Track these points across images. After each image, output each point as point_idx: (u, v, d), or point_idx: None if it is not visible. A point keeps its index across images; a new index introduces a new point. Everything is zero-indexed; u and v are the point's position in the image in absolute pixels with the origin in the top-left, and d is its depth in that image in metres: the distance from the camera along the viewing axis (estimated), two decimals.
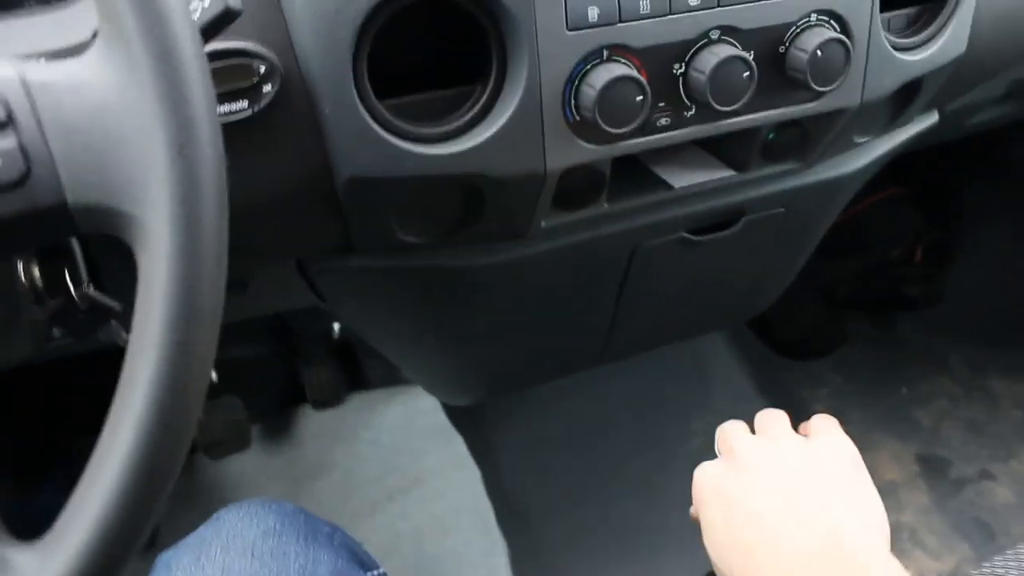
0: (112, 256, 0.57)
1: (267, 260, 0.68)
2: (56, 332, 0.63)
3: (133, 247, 0.35)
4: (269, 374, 1.31)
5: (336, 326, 1.25)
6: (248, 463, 1.24)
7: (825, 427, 0.61)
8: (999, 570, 0.72)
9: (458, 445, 1.22)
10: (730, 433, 0.60)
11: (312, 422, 1.28)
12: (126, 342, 0.62)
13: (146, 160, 0.33)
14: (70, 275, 0.54)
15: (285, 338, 1.30)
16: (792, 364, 1.52)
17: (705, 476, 0.57)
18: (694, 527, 1.31)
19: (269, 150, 0.55)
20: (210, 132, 0.33)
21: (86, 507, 0.33)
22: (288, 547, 0.57)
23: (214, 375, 1.21)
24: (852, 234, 1.52)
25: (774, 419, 0.62)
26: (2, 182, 0.33)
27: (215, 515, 0.59)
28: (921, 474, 1.42)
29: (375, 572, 0.66)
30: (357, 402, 1.28)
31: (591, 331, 0.87)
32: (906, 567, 1.41)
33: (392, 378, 1.27)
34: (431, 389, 1.01)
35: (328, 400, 1.26)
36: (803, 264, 0.94)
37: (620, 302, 0.82)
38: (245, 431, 1.20)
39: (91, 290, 0.55)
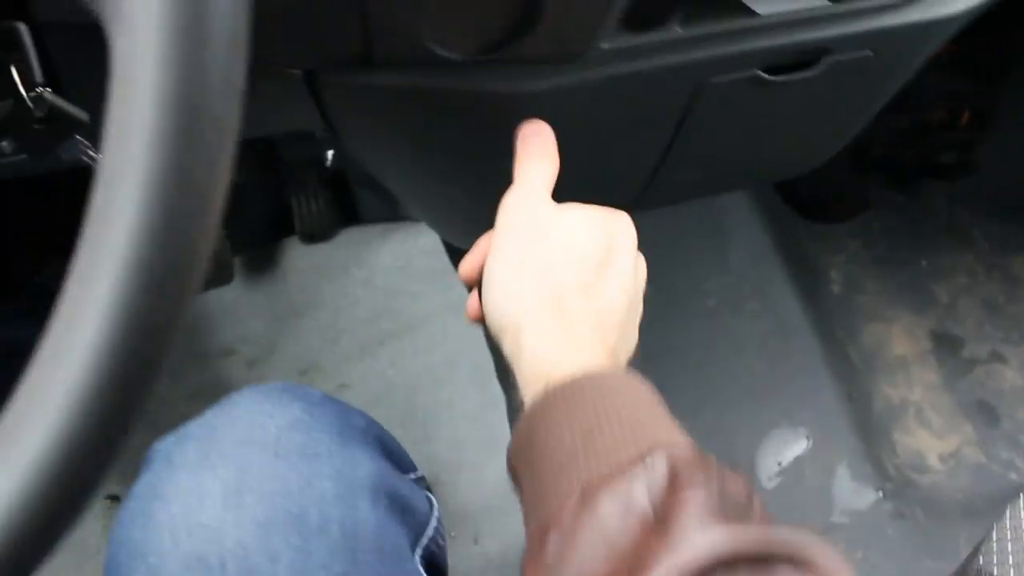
0: (74, 51, 0.45)
1: (272, 69, 0.56)
2: (5, 146, 0.52)
3: (105, 22, 0.24)
4: (254, 203, 1.19)
5: (330, 153, 1.13)
6: (228, 298, 1.15)
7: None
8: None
9: (458, 290, 1.13)
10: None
11: (300, 257, 1.18)
12: (92, 160, 0.51)
13: None
14: (19, 74, 0.42)
15: (272, 165, 1.18)
16: (811, 226, 1.43)
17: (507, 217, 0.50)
18: (700, 393, 1.24)
19: None
20: None
21: (39, 409, 0.23)
22: (320, 445, 0.47)
23: None
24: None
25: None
26: None
27: (226, 399, 0.48)
28: (933, 351, 1.36)
29: (413, 475, 0.57)
30: (350, 238, 1.17)
31: (632, 178, 0.77)
32: (909, 446, 1.35)
33: (390, 214, 1.17)
34: (438, 229, 0.91)
35: (318, 233, 1.16)
36: (869, 120, 0.84)
37: (671, 148, 0.71)
38: (227, 263, 1.09)
39: (48, 93, 0.44)
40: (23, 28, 0.41)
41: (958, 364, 1.36)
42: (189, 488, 0.43)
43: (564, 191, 0.77)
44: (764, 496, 1.18)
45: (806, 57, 0.66)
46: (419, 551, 0.51)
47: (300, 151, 1.15)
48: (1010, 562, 0.60)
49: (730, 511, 0.33)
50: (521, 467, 0.41)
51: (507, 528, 1.04)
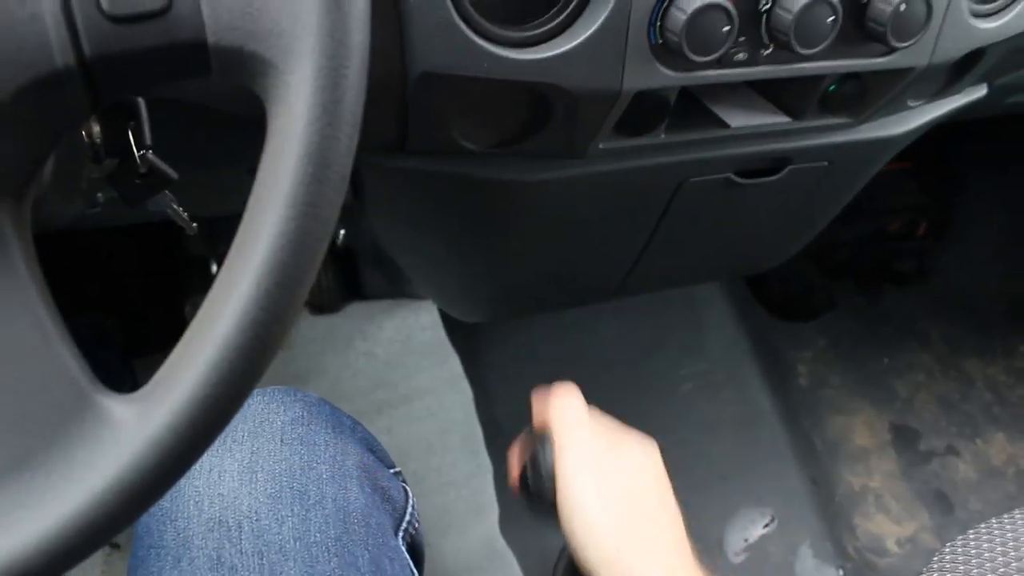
0: (172, 125, 0.55)
1: None
2: (100, 196, 0.62)
3: (266, 99, 0.34)
4: None
5: (342, 232, 1.23)
6: None
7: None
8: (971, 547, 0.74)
9: (453, 365, 1.22)
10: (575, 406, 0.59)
11: (307, 327, 1.26)
12: (175, 212, 0.60)
13: (298, 9, 0.32)
14: (134, 136, 0.52)
15: None
16: (782, 324, 1.54)
17: (571, 449, 0.55)
18: (672, 472, 1.33)
19: None
20: None
21: (191, 357, 0.32)
22: (317, 436, 0.56)
23: (214, 267, 1.19)
24: (855, 204, 1.52)
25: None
26: (145, 10, 0.31)
27: None
28: (892, 443, 1.45)
29: (394, 470, 0.65)
30: (355, 312, 1.27)
31: (617, 262, 0.87)
32: (869, 530, 1.44)
33: (393, 291, 1.26)
34: (441, 302, 1.00)
35: (326, 306, 1.25)
36: (827, 222, 0.95)
37: (654, 236, 0.82)
38: None
39: (151, 154, 0.54)
40: (141, 102, 0.51)
41: (915, 455, 1.46)
42: (210, 467, 0.51)
43: (556, 272, 0.88)
44: (730, 571, 1.25)
45: (772, 164, 0.77)
46: (401, 534, 0.59)
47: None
48: None
49: None
50: None
51: None
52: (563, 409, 0.56)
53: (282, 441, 0.53)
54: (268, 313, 0.32)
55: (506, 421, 1.26)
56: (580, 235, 0.80)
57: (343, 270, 1.28)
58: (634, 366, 1.35)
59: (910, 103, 0.78)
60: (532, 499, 0.57)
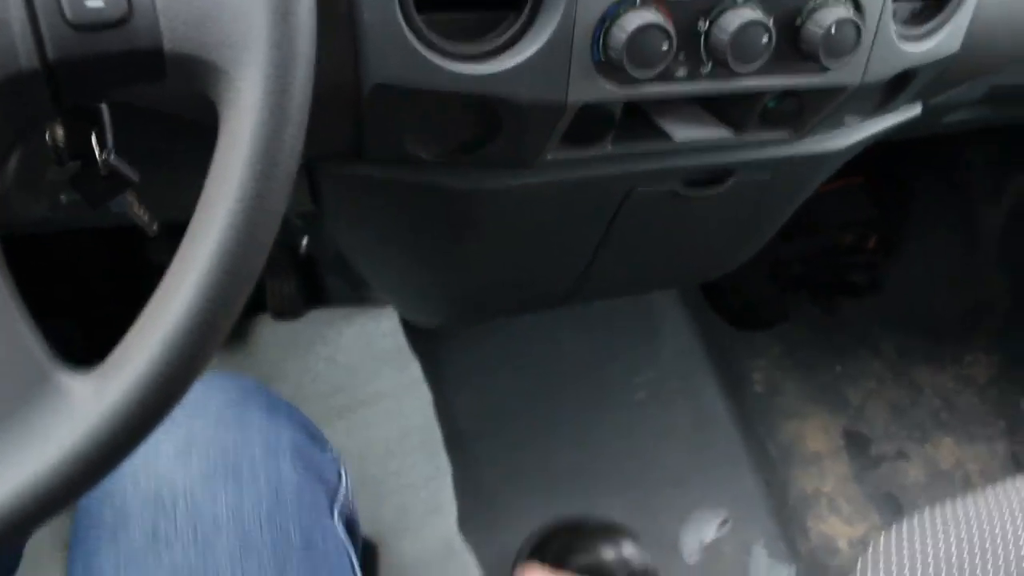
0: (134, 128, 0.57)
1: None
2: (63, 198, 0.64)
3: (218, 103, 0.36)
4: None
5: (304, 241, 1.25)
6: None
7: None
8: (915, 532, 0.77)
9: (413, 370, 1.24)
10: None
11: (269, 332, 1.28)
12: (135, 214, 0.63)
13: (248, 21, 0.34)
14: (97, 139, 0.55)
15: None
16: (736, 333, 1.58)
17: None
18: (627, 477, 1.36)
19: None
20: (309, 3, 0.35)
21: (145, 338, 0.35)
22: (252, 417, 0.58)
23: None
24: (808, 218, 1.57)
25: None
26: (105, 20, 0.34)
27: None
28: (845, 448, 1.50)
29: (331, 454, 0.67)
30: (316, 318, 1.29)
31: (569, 269, 0.90)
32: (821, 531, 1.48)
33: (354, 298, 1.29)
34: (400, 307, 1.02)
35: (287, 312, 1.27)
36: (774, 231, 0.98)
37: (603, 243, 0.85)
38: None
39: (113, 157, 0.56)
40: (104, 106, 0.54)
41: (867, 460, 1.50)
42: (146, 446, 0.54)
43: (510, 278, 0.91)
44: (685, 573, 1.28)
45: (716, 176, 0.81)
46: (336, 513, 0.61)
47: (276, 238, 1.27)
48: None
49: None
50: None
51: None
52: None
53: (217, 422, 0.56)
54: (216, 300, 0.35)
55: (465, 424, 1.28)
56: (533, 242, 0.83)
57: (305, 277, 1.30)
58: (590, 374, 1.38)
59: (847, 120, 0.82)
60: None
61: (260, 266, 0.37)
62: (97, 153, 0.55)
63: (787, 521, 1.39)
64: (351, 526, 0.63)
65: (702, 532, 1.31)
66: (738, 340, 1.57)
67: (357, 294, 1.28)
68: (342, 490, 0.64)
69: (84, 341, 1.19)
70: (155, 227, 0.63)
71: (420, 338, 1.27)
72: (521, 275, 0.89)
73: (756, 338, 1.58)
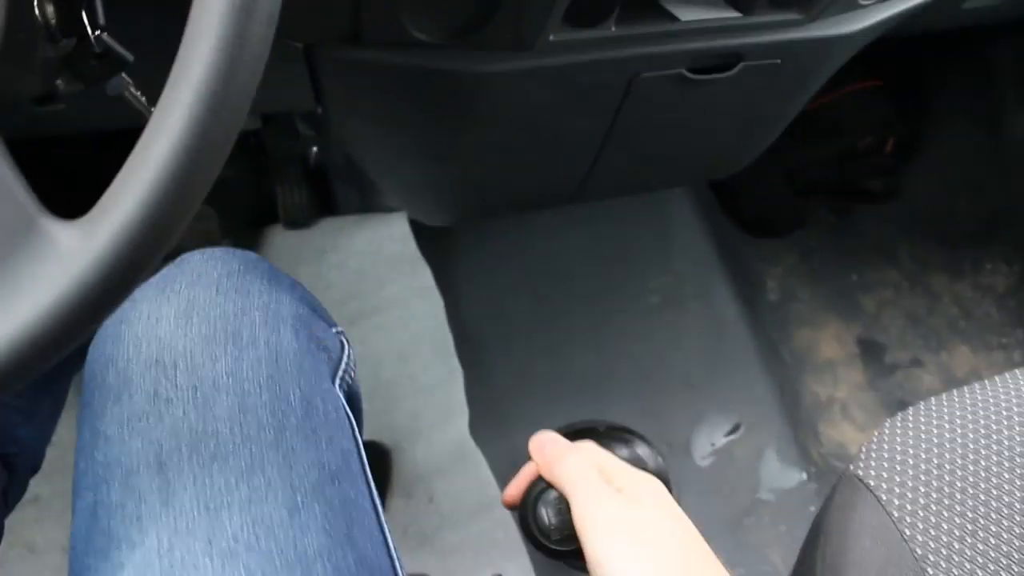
0: (124, 9, 0.57)
1: (280, 39, 0.68)
2: (61, 84, 0.63)
3: None
4: (243, 192, 1.31)
5: (314, 150, 1.25)
6: None
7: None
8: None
9: (424, 275, 1.24)
10: (588, 454, 0.55)
11: (281, 241, 1.28)
12: (133, 96, 0.62)
13: None
14: (88, 16, 0.54)
15: (260, 160, 1.29)
16: (752, 240, 1.56)
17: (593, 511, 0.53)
18: (640, 381, 1.36)
19: None
20: None
21: (130, 185, 0.35)
22: (252, 286, 0.58)
23: None
24: (825, 121, 1.54)
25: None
26: None
27: (179, 258, 0.60)
28: (859, 355, 1.49)
29: (334, 328, 0.67)
30: (327, 226, 1.28)
31: (576, 161, 0.89)
32: (833, 437, 1.47)
33: (364, 205, 1.28)
34: (409, 205, 1.02)
35: (299, 221, 1.27)
36: (785, 125, 0.96)
37: (610, 133, 0.83)
38: (215, 243, 1.20)
39: (105, 35, 0.55)
40: None
41: (881, 368, 1.49)
42: (148, 313, 0.55)
43: (516, 170, 0.90)
44: (696, 474, 1.29)
45: (724, 61, 0.79)
46: (337, 382, 0.62)
47: (286, 148, 1.27)
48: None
49: None
50: None
51: (457, 487, 1.15)
52: (571, 468, 0.55)
53: (217, 290, 0.56)
54: (201, 139, 0.35)
55: (476, 330, 1.29)
56: (536, 132, 0.82)
57: (315, 187, 1.30)
58: (603, 279, 1.38)
59: (861, 1, 0.80)
60: (533, 535, 0.56)
61: (245, 107, 0.37)
62: (89, 31, 0.54)
63: (799, 426, 1.39)
64: (352, 399, 0.64)
65: (713, 436, 1.32)
66: (753, 247, 1.56)
67: (367, 202, 1.28)
68: (344, 362, 0.64)
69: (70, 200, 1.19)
70: (152, 111, 0.63)
71: (431, 244, 1.27)
72: (528, 168, 0.88)
73: (771, 245, 1.57)
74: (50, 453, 0.84)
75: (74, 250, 0.36)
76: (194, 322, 0.54)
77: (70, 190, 0.51)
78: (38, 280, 0.36)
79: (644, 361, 1.32)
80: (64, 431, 1.10)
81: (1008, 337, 1.59)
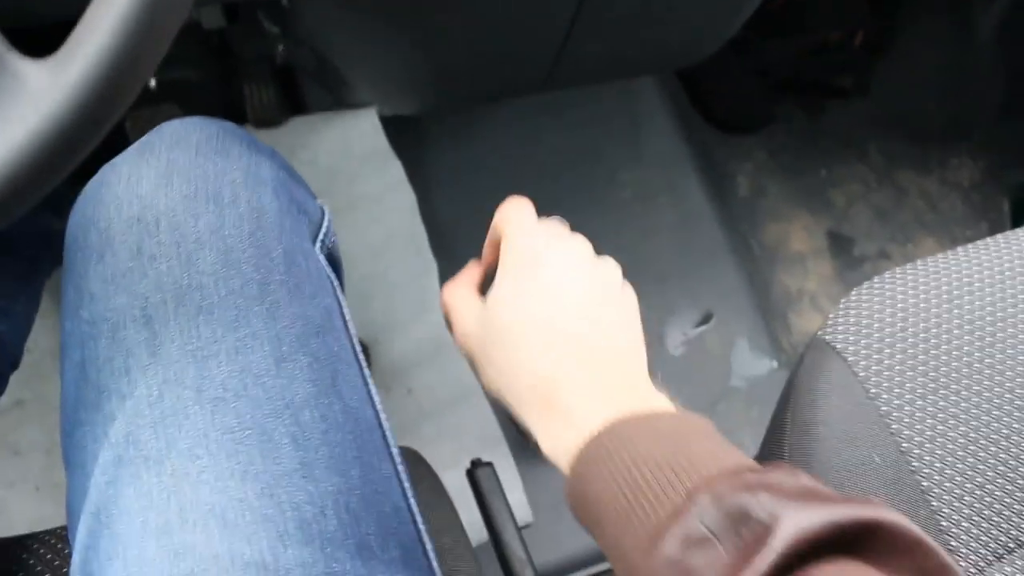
0: None
1: None
2: None
3: None
4: (211, 93, 1.28)
5: (280, 47, 1.23)
6: None
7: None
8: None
9: (395, 170, 1.24)
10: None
11: None
12: None
13: None
14: None
15: (227, 59, 1.27)
16: (723, 136, 1.57)
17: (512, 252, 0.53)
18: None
19: None
20: None
21: (99, 20, 0.35)
22: (232, 149, 0.58)
23: (153, 82, 1.19)
24: (793, 15, 1.54)
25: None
26: None
27: (158, 126, 0.60)
28: (828, 248, 1.51)
29: (312, 196, 0.67)
30: (297, 124, 1.27)
31: (543, 46, 0.88)
32: (803, 327, 1.49)
33: (333, 102, 1.27)
34: (378, 95, 1.01)
35: (269, 119, 1.26)
36: (751, 8, 0.96)
37: (577, 15, 0.83)
38: None
39: None
40: None
41: (849, 260, 1.52)
42: (129, 175, 0.55)
43: (484, 54, 0.89)
44: (670, 363, 1.32)
45: None
46: (318, 245, 0.63)
47: (252, 47, 1.24)
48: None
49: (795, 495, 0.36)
50: (587, 522, 0.44)
51: (435, 379, 1.17)
52: (513, 210, 0.56)
53: (197, 152, 0.56)
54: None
55: (449, 224, 1.29)
56: (506, 13, 0.81)
57: (284, 86, 1.28)
58: (575, 172, 1.38)
59: None
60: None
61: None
62: None
63: (770, 317, 1.42)
64: (334, 263, 0.65)
65: (685, 326, 1.34)
66: (724, 143, 1.56)
67: (336, 98, 1.26)
68: (324, 225, 0.64)
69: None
70: None
71: (402, 139, 1.26)
72: (497, 51, 0.88)
73: (742, 141, 1.57)
74: (29, 358, 0.85)
75: (46, 87, 0.36)
76: (175, 182, 0.54)
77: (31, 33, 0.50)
78: (10, 120, 0.36)
79: (616, 254, 1.31)
80: (40, 336, 1.11)
81: (972, 229, 1.62)
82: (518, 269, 0.53)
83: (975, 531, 0.66)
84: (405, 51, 0.85)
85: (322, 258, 0.61)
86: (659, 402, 0.48)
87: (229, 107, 1.28)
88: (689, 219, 1.42)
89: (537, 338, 0.50)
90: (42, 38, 0.43)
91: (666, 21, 0.93)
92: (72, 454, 0.54)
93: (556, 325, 0.50)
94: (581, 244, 0.55)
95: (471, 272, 0.60)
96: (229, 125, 0.60)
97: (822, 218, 1.55)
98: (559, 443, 0.46)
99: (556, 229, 0.56)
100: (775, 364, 1.36)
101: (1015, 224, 1.61)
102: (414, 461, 0.69)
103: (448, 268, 1.21)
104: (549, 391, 0.48)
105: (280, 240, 0.56)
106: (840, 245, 1.54)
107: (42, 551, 0.65)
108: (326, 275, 0.60)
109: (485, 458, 0.77)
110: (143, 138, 0.58)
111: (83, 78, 0.35)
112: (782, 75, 1.61)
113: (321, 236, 0.62)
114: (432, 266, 1.21)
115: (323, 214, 0.65)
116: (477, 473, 0.75)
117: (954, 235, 1.60)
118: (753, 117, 1.60)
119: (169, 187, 0.54)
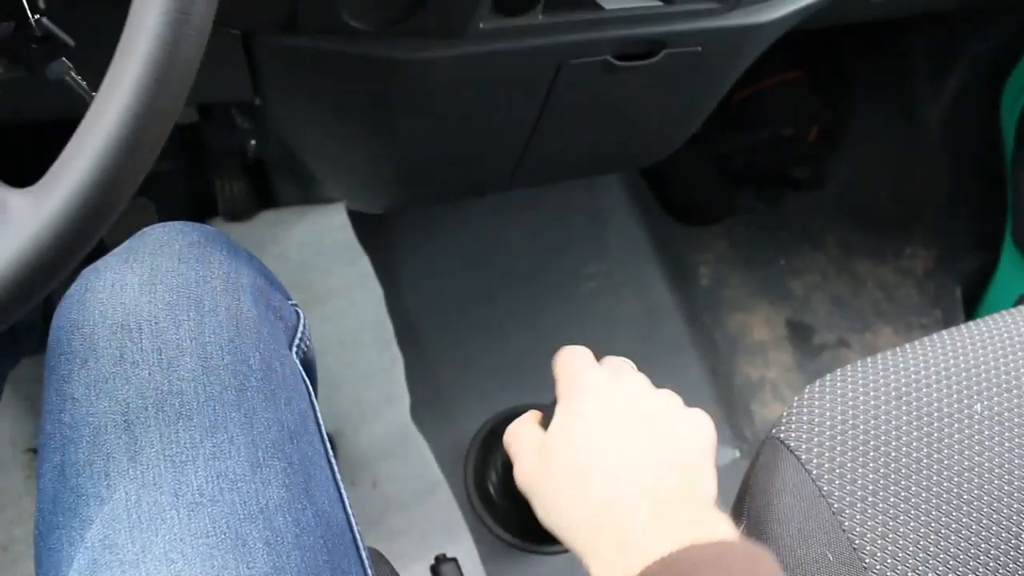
0: None
1: (217, 27, 0.69)
2: (0, 68, 0.64)
3: None
4: (181, 185, 1.31)
5: (252, 143, 1.26)
6: None
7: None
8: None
9: (363, 265, 1.26)
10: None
11: None
12: (73, 80, 0.63)
13: None
14: (28, 0, 0.55)
15: (198, 152, 1.30)
16: (684, 228, 1.61)
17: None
18: None
19: None
20: None
21: (81, 151, 0.37)
22: (213, 256, 0.60)
23: None
24: (750, 112, 1.60)
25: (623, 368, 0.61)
26: None
27: (141, 231, 0.62)
28: (788, 337, 1.55)
29: (289, 301, 0.70)
30: (267, 218, 1.29)
31: (507, 148, 0.92)
32: (765, 416, 1.52)
33: (303, 197, 1.30)
34: (347, 194, 1.04)
35: (239, 212, 1.28)
36: (710, 110, 1.01)
37: (540, 119, 0.87)
38: None
39: (45, 19, 0.56)
40: None
41: (810, 348, 1.56)
42: (113, 282, 0.57)
43: (449, 156, 0.93)
44: None
45: (648, 48, 0.83)
46: (294, 350, 0.64)
47: (224, 141, 1.28)
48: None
49: None
50: None
51: (400, 471, 1.17)
52: (567, 355, 0.59)
53: (179, 259, 0.58)
54: (148, 107, 0.37)
55: (416, 318, 1.31)
56: (469, 118, 0.84)
57: (255, 180, 1.31)
58: (539, 265, 1.41)
59: None
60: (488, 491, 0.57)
61: (189, 79, 0.39)
62: (29, 14, 0.55)
63: (732, 407, 1.44)
64: (308, 366, 0.66)
65: None
66: (685, 235, 1.61)
67: (306, 193, 1.29)
68: (300, 331, 0.66)
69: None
70: (93, 95, 0.64)
71: (370, 234, 1.28)
72: (460, 153, 0.91)
73: (703, 233, 1.62)
74: None
75: (27, 216, 0.38)
76: (158, 289, 0.56)
77: (16, 164, 0.52)
78: None
79: (582, 345, 1.35)
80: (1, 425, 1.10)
81: (927, 317, 1.67)
82: (571, 404, 0.56)
83: None
84: (371, 152, 0.88)
85: (298, 363, 0.63)
86: (722, 529, 0.48)
87: (200, 200, 1.31)
88: (652, 311, 1.45)
89: (598, 476, 0.51)
90: (28, 167, 0.45)
91: (628, 124, 0.97)
92: (46, 557, 0.55)
93: (608, 464, 0.52)
94: (638, 381, 0.59)
95: (533, 413, 0.62)
96: (210, 230, 0.62)
97: (782, 307, 1.59)
98: (615, 571, 0.46)
99: (616, 366, 0.58)
100: (737, 453, 1.38)
101: (967, 311, 1.66)
102: (377, 561, 0.70)
103: (414, 360, 1.23)
104: (609, 523, 0.49)
105: (258, 347, 0.58)
106: (800, 334, 1.57)
107: None
108: (301, 379, 0.62)
109: (450, 552, 0.78)
110: (127, 243, 0.60)
111: (64, 207, 0.37)
112: (740, 167, 1.66)
113: (297, 340, 0.64)
114: (398, 359, 1.22)
115: (298, 318, 0.67)
116: (441, 569, 0.75)
117: (910, 323, 1.65)
118: (713, 209, 1.64)
119: (153, 294, 0.56)
